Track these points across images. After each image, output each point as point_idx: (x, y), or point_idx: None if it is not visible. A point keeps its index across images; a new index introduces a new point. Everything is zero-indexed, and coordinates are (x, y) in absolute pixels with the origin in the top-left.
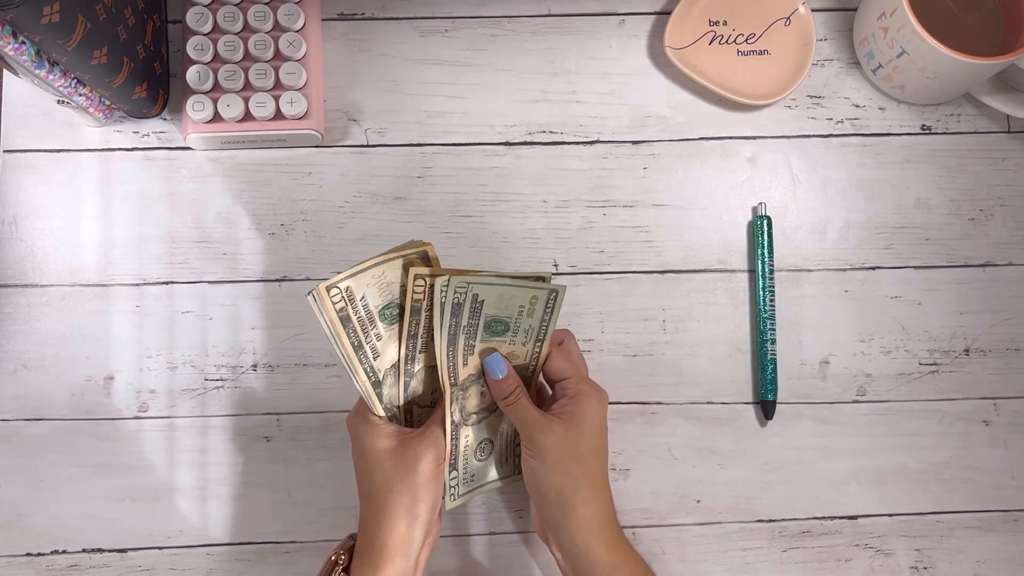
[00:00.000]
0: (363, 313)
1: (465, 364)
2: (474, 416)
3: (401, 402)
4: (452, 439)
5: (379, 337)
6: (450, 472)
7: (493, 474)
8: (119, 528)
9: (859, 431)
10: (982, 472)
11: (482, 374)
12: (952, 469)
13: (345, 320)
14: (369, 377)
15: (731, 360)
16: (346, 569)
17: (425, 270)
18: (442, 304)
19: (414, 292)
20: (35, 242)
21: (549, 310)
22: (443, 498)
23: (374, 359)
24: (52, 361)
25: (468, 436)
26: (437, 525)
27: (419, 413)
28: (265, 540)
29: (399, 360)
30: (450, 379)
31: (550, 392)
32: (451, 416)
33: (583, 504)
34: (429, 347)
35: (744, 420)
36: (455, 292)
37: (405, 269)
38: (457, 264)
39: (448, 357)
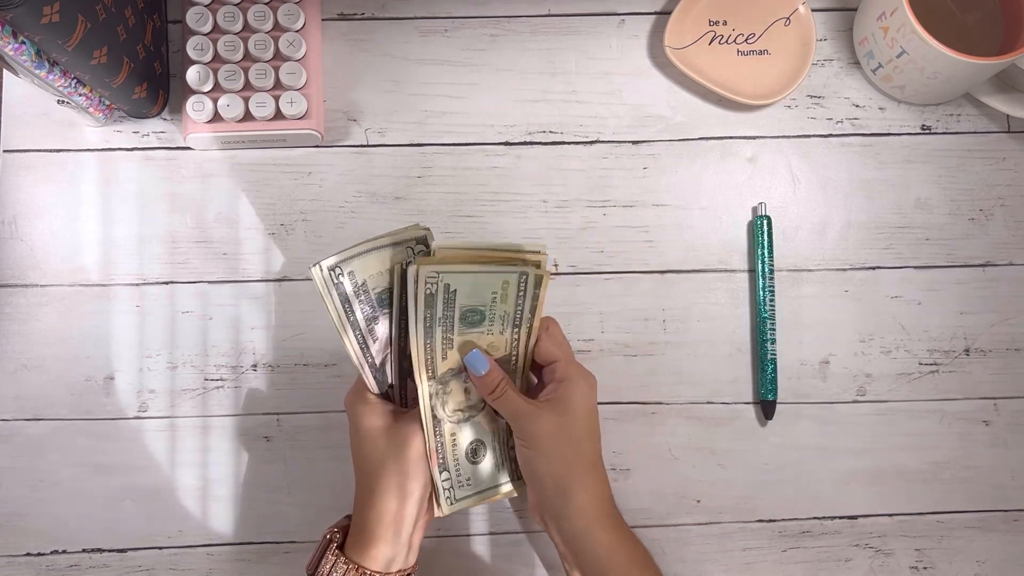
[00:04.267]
0: (362, 293)
1: (444, 358)
2: (460, 413)
3: (397, 381)
4: (436, 435)
5: (376, 319)
6: (441, 473)
7: (494, 479)
8: (119, 528)
9: (859, 431)
10: (982, 472)
11: (463, 370)
12: (952, 469)
13: (343, 298)
14: (366, 356)
15: (731, 360)
16: (340, 547)
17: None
18: (415, 295)
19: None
20: (35, 242)
21: (522, 294)
22: (440, 502)
23: (372, 340)
24: (52, 361)
25: (455, 435)
26: (431, 504)
27: (414, 390)
28: (265, 540)
29: (392, 340)
30: (428, 373)
31: (535, 381)
32: (430, 411)
33: (582, 489)
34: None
35: (744, 420)
36: (426, 283)
37: (400, 252)
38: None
39: (426, 350)
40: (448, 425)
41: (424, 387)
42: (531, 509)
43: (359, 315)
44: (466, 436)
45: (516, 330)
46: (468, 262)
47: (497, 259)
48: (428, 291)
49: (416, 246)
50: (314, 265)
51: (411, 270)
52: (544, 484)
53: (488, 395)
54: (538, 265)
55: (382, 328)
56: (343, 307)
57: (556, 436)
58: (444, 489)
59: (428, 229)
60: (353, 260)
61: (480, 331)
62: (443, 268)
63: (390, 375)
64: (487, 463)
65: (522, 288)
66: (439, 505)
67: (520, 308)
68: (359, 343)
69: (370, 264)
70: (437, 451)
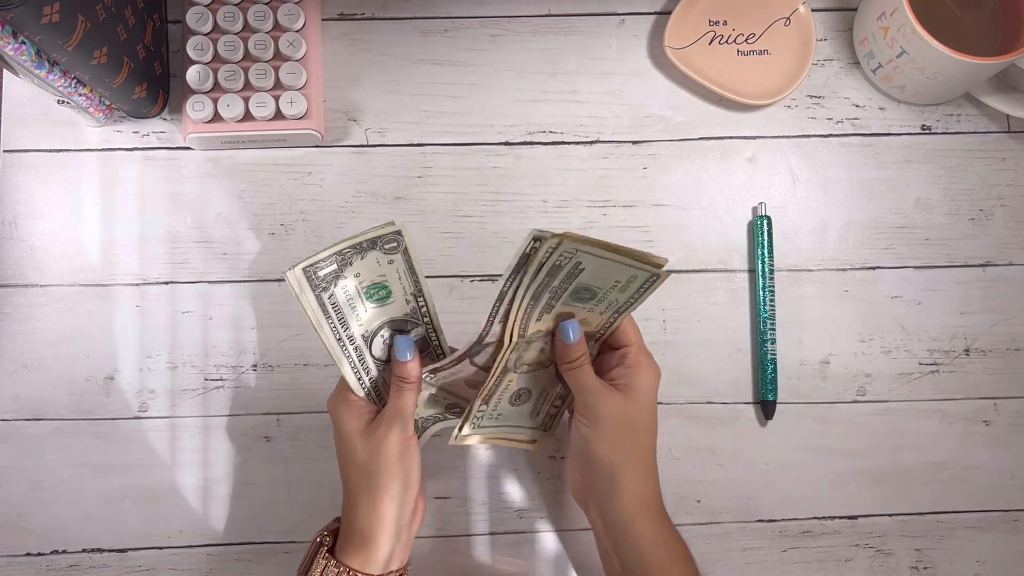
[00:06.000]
0: (343, 294)
1: (538, 320)
2: (526, 367)
3: (372, 380)
4: (495, 381)
5: (358, 319)
6: (480, 405)
7: (523, 421)
8: (119, 528)
9: (859, 431)
10: (982, 472)
11: (550, 332)
12: (952, 469)
13: (323, 301)
14: (347, 357)
15: (731, 360)
16: (331, 550)
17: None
18: (541, 263)
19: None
20: (35, 242)
21: (643, 290)
22: (464, 426)
23: (351, 340)
24: (52, 361)
25: (511, 381)
26: (422, 503)
27: (383, 391)
28: (265, 540)
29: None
30: (520, 330)
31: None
32: (504, 362)
33: (632, 478)
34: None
35: (744, 420)
36: (561, 255)
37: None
38: (458, 261)
39: (525, 312)
40: (511, 374)
41: (510, 343)
42: (573, 489)
43: (335, 318)
44: (519, 384)
45: (614, 316)
46: (604, 248)
47: (626, 253)
48: (557, 263)
49: (389, 244)
50: (291, 268)
51: (551, 240)
52: (597, 467)
53: (565, 363)
54: (663, 270)
55: (365, 326)
56: (323, 310)
57: (618, 421)
58: (475, 417)
59: (398, 228)
60: (356, 261)
61: (583, 306)
62: (583, 247)
63: (372, 373)
64: (524, 408)
65: (644, 287)
66: (460, 430)
67: (631, 301)
68: (340, 345)
69: (369, 263)
70: (488, 391)
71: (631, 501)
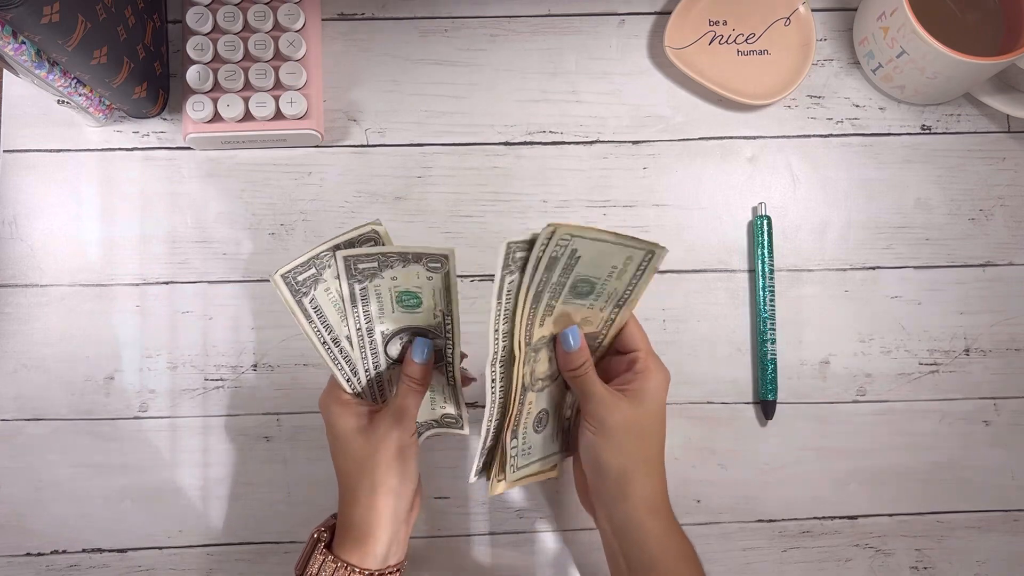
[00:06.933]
0: (330, 296)
1: (541, 325)
2: (540, 382)
3: (368, 378)
4: (518, 403)
5: (343, 316)
6: (511, 441)
7: (547, 451)
8: (119, 528)
9: (859, 431)
10: (982, 472)
11: (553, 339)
12: (952, 469)
13: (304, 305)
14: (332, 357)
15: (731, 360)
16: (328, 546)
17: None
18: (538, 257)
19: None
20: (35, 242)
21: (640, 273)
22: (504, 470)
23: (338, 338)
24: (52, 361)
25: (531, 403)
26: (417, 499)
27: (386, 389)
28: (265, 540)
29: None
30: (526, 339)
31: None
32: (521, 379)
33: (642, 482)
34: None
35: (744, 420)
36: (557, 244)
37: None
38: (458, 261)
39: (529, 315)
40: (530, 394)
41: (520, 353)
42: (579, 492)
43: (317, 319)
44: (538, 405)
45: (615, 310)
46: (597, 231)
47: (620, 235)
48: (553, 254)
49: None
50: (277, 272)
51: (546, 230)
52: (606, 473)
53: (569, 371)
54: (659, 246)
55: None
56: (308, 310)
57: (627, 428)
58: (511, 457)
59: (378, 223)
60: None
61: (583, 303)
62: (577, 232)
63: (366, 371)
64: (547, 434)
65: (641, 268)
66: (502, 475)
67: (629, 289)
68: (328, 345)
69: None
70: (514, 419)
71: (641, 504)
